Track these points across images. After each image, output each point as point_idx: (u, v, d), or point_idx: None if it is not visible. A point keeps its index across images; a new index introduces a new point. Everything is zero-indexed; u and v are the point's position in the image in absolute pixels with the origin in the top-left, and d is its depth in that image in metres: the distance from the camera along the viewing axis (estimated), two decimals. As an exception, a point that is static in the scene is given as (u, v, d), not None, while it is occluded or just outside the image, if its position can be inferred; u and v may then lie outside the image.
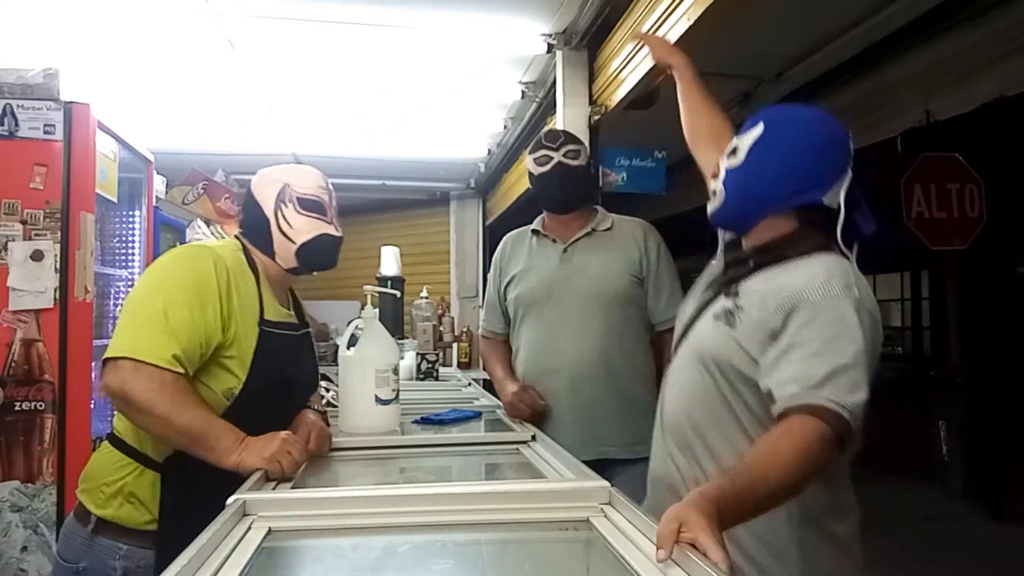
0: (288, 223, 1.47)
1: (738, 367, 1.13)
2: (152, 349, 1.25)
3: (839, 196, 1.15)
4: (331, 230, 1.51)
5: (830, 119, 1.22)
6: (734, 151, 1.23)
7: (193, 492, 1.27)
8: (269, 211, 1.47)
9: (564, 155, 2.01)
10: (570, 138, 2.07)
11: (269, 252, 1.48)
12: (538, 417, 1.91)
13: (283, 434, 1.33)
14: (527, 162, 2.08)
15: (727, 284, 1.21)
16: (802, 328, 1.06)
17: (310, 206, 1.49)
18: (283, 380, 1.45)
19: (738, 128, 1.30)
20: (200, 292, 1.31)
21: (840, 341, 1.03)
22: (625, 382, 1.97)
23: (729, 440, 1.15)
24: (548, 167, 2.01)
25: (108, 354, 1.26)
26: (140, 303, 1.32)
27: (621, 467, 1.88)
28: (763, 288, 1.14)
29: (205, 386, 1.35)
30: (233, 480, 1.23)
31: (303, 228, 1.47)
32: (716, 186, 1.25)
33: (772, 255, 1.17)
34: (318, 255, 1.50)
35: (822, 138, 1.18)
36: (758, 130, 1.21)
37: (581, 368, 1.96)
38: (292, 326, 1.52)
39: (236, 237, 1.53)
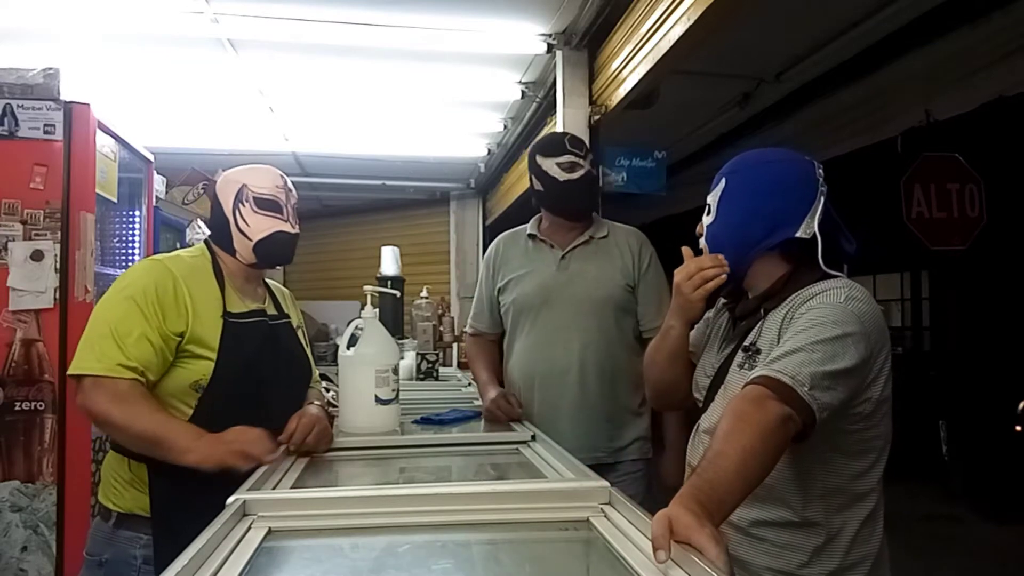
0: (245, 221, 1.54)
1: None
2: (100, 361, 1.33)
3: (813, 226, 1.17)
4: (286, 227, 1.57)
5: (791, 156, 1.25)
6: (708, 209, 1.28)
7: (181, 478, 1.31)
8: (228, 211, 1.55)
9: (590, 164, 2.01)
10: (587, 147, 2.07)
11: (230, 250, 1.56)
12: (531, 420, 1.91)
13: (237, 429, 1.33)
14: (544, 165, 1.99)
15: (743, 336, 1.23)
16: (797, 334, 1.08)
17: (266, 205, 1.55)
18: (252, 365, 1.47)
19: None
20: (148, 300, 1.38)
21: (832, 343, 1.05)
22: (617, 388, 1.98)
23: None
24: (577, 175, 1.97)
25: (68, 373, 1.37)
26: (93, 322, 1.40)
27: (610, 470, 1.89)
28: (774, 326, 1.17)
29: (175, 383, 1.40)
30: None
31: (259, 226, 1.54)
32: (702, 244, 1.29)
33: (777, 298, 1.21)
34: (274, 251, 1.57)
35: (783, 177, 1.21)
36: (722, 185, 1.26)
37: (576, 373, 1.96)
38: (262, 314, 1.57)
39: (204, 241, 1.60)
